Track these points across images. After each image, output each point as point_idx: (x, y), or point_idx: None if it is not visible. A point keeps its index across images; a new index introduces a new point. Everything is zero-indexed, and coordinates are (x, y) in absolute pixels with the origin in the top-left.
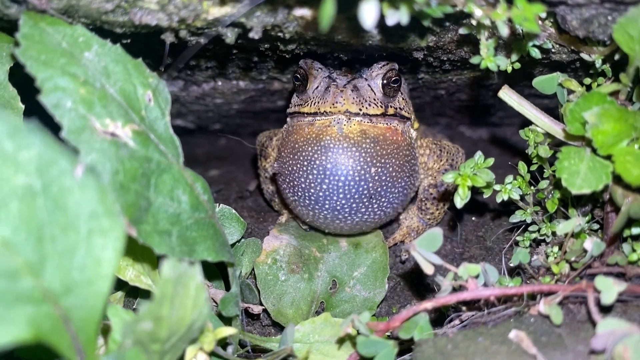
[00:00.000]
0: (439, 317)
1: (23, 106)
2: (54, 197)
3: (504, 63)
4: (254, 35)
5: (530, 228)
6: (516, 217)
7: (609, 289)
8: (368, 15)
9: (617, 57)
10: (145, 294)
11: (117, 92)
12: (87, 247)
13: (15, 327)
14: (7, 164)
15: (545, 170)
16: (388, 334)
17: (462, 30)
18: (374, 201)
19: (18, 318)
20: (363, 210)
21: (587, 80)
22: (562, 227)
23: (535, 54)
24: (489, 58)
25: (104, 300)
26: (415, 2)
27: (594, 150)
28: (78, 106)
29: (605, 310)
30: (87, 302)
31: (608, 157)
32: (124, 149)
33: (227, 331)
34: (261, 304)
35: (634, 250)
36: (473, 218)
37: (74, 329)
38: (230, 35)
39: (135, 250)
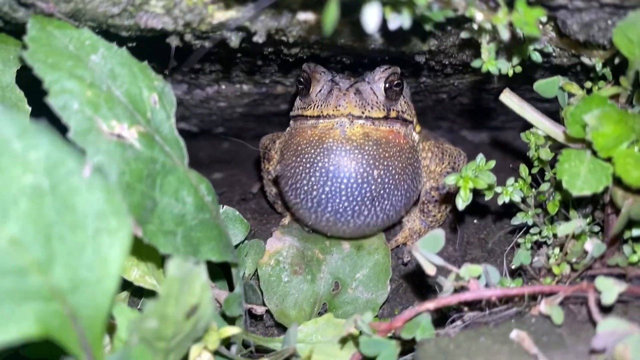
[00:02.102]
0: (441, 318)
1: (30, 108)
2: (62, 197)
3: (505, 66)
4: (258, 39)
5: (532, 230)
6: (517, 219)
7: (610, 289)
8: (370, 19)
9: (617, 60)
10: (150, 294)
11: (123, 94)
12: (95, 246)
13: (24, 324)
14: (16, 163)
15: (546, 172)
16: (390, 334)
17: (464, 34)
18: (377, 204)
19: (27, 315)
20: (365, 213)
21: (588, 84)
22: (563, 229)
23: (536, 57)
24: (490, 61)
25: (111, 298)
26: (417, 6)
27: (594, 153)
28: (85, 108)
29: (606, 310)
30: (94, 300)
31: (608, 160)
32: (130, 150)
33: (231, 330)
34: (264, 305)
35: (634, 252)
36: (475, 220)
37: (81, 326)
38: (234, 39)
39: (140, 250)
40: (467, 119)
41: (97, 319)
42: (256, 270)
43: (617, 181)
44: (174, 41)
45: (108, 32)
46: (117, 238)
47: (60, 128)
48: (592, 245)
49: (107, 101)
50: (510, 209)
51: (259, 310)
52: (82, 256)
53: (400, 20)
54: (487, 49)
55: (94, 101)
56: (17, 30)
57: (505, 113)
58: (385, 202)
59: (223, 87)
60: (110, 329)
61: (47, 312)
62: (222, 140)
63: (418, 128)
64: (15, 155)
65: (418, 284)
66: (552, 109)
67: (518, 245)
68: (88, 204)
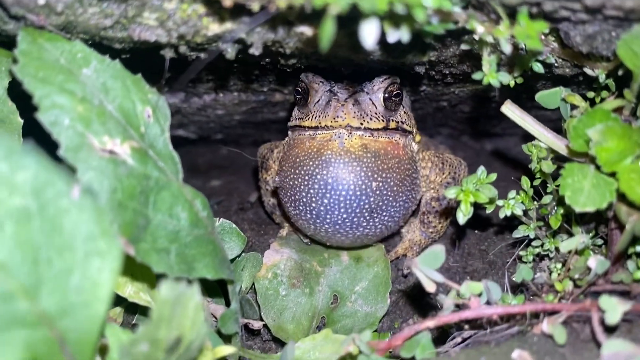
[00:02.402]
0: (441, 335)
1: (22, 121)
2: (50, 219)
3: (507, 78)
4: (255, 51)
5: (534, 243)
6: (519, 232)
7: (614, 308)
8: (368, 35)
9: (620, 72)
10: (145, 310)
11: (116, 108)
12: (84, 269)
13: (10, 351)
14: (2, 185)
15: (548, 184)
16: (389, 353)
17: (464, 46)
18: (375, 215)
19: (14, 341)
20: (364, 224)
21: (591, 94)
22: (566, 245)
23: (538, 68)
24: (492, 74)
25: (101, 322)
26: (416, 21)
27: (597, 167)
28: (76, 124)
29: (610, 329)
30: (83, 325)
31: (612, 175)
32: (122, 166)
33: (226, 350)
34: (261, 319)
35: (638, 268)
36: (476, 231)
37: (70, 352)
38: (230, 51)
39: (134, 267)
40: (469, 125)
41: (86, 343)
42: (253, 283)
43: (621, 197)
44: (168, 53)
45: (101, 44)
46: (107, 260)
47: (53, 143)
48: (596, 262)
49: (99, 116)
50: (512, 220)
51: (256, 325)
52: (70, 280)
53: (398, 35)
54: (489, 61)
55: (86, 116)
56: (8, 42)
57: (506, 120)
58: (384, 213)
59: (220, 95)
60: (103, 348)
61: (35, 338)
62: (220, 146)
63: (418, 137)
64: (1, 177)
65: (419, 295)
66: (554, 117)
67: (520, 257)
68: (77, 225)
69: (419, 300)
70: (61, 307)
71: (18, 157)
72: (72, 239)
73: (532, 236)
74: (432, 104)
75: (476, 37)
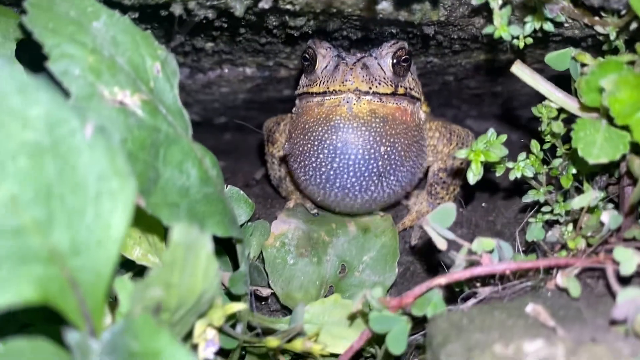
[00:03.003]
0: (452, 297)
1: None
2: (62, 156)
3: (518, 31)
4: (264, 4)
5: (543, 209)
6: (529, 197)
7: (629, 259)
8: None
9: (632, 27)
10: None
11: (126, 62)
12: (96, 209)
13: (21, 287)
14: (15, 119)
15: (558, 148)
16: (400, 312)
17: (475, 1)
18: (384, 179)
19: (24, 278)
20: (372, 188)
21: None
22: (578, 201)
23: (549, 27)
24: (503, 27)
25: (113, 264)
26: None
27: (610, 121)
28: (86, 74)
29: (624, 282)
30: (95, 265)
31: (625, 128)
32: (133, 117)
33: (236, 307)
34: (269, 287)
35: None
36: (483, 204)
37: (82, 293)
38: (239, 7)
39: (142, 224)
40: (473, 105)
41: (98, 285)
42: (261, 252)
43: (635, 150)
44: (177, 10)
45: (110, 1)
46: (120, 201)
47: None
48: (609, 217)
49: (109, 68)
50: (520, 191)
51: (265, 292)
52: (83, 218)
53: None
54: (499, 14)
55: (96, 67)
56: (17, 3)
57: (512, 98)
58: (392, 177)
59: (226, 70)
60: (112, 305)
61: (46, 276)
62: (224, 131)
63: (425, 107)
64: (14, 110)
65: (426, 266)
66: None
67: (528, 225)
68: (89, 165)
69: (426, 271)
70: (73, 245)
71: (31, 91)
72: (85, 178)
73: (541, 201)
74: (439, 79)
75: None
